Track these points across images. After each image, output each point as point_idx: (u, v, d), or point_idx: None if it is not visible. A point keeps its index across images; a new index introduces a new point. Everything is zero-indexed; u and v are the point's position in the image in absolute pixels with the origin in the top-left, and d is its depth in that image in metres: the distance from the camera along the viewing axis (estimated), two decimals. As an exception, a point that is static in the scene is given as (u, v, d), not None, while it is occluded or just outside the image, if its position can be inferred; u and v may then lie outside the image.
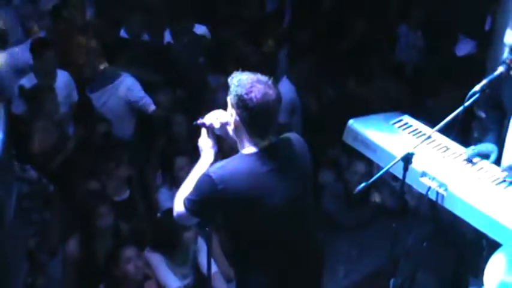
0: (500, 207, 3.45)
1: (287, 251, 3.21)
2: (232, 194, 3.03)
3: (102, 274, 4.53)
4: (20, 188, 4.97)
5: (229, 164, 3.11)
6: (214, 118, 3.33)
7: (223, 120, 3.32)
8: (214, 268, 4.68)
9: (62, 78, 5.96)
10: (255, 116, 3.05)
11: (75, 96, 6.08)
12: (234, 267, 3.36)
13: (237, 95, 3.05)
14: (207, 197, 3.08)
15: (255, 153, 3.10)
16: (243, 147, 3.15)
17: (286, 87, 6.18)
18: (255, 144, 3.11)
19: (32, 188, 5.06)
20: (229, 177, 3.04)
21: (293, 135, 3.31)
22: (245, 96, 3.02)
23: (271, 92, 3.05)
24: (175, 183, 5.29)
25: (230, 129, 3.20)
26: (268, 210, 3.09)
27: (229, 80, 3.12)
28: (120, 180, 5.23)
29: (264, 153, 3.10)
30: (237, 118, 3.10)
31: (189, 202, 3.14)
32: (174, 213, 3.27)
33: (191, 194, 3.14)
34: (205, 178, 3.08)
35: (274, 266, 3.20)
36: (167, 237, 4.68)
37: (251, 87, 3.03)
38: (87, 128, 5.75)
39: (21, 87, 5.83)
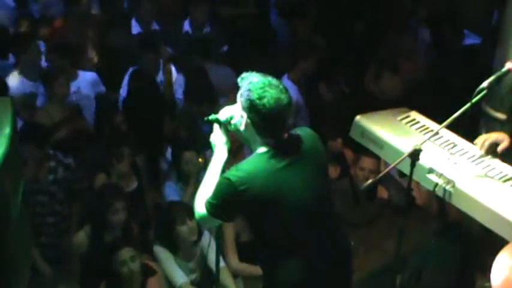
0: (508, 204, 3.43)
1: (313, 245, 3.20)
2: (254, 195, 3.02)
3: (104, 271, 4.54)
4: (56, 172, 5.08)
5: (247, 164, 3.11)
6: (229, 114, 3.29)
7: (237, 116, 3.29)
8: (221, 263, 4.70)
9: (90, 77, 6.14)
10: (267, 121, 3.05)
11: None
12: (261, 264, 3.36)
13: (249, 99, 3.03)
14: (229, 200, 3.07)
15: (270, 151, 3.10)
16: (255, 147, 3.15)
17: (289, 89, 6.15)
18: (267, 144, 3.11)
19: (66, 175, 5.12)
20: (248, 177, 3.03)
21: (304, 129, 3.31)
22: (257, 101, 3.01)
23: (283, 96, 3.05)
24: (182, 177, 5.32)
25: (240, 128, 3.18)
26: (291, 205, 3.09)
27: (239, 80, 3.11)
28: (123, 174, 5.23)
29: (279, 150, 3.10)
30: (248, 121, 3.08)
31: (211, 205, 3.12)
32: (196, 215, 3.26)
33: (212, 197, 3.12)
34: (225, 181, 3.06)
35: (302, 261, 3.19)
36: (166, 230, 4.70)
37: (264, 92, 3.01)
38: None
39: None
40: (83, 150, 5.52)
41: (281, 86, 3.08)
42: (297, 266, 3.18)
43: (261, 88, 3.02)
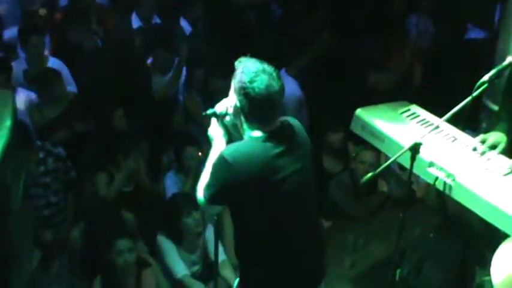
0: (508, 198, 3.43)
1: (292, 235, 3.22)
2: (246, 175, 3.04)
3: (100, 264, 4.55)
4: (46, 163, 5.06)
5: (242, 146, 3.12)
6: (225, 107, 3.30)
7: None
8: (222, 256, 4.71)
9: (53, 64, 5.98)
10: (255, 106, 3.06)
11: (71, 87, 6.08)
12: (238, 254, 3.37)
13: (240, 81, 3.06)
14: (224, 179, 3.08)
15: (265, 137, 3.11)
16: (246, 132, 3.16)
17: (290, 84, 6.15)
18: (258, 129, 3.12)
19: (57, 165, 5.11)
20: (243, 158, 3.04)
21: (291, 119, 3.32)
22: (248, 84, 3.03)
23: (275, 83, 3.05)
24: (182, 170, 5.34)
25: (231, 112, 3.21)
26: (278, 191, 3.11)
27: (236, 63, 3.13)
28: (129, 172, 5.26)
29: (273, 137, 3.11)
30: (237, 104, 3.11)
31: (208, 187, 3.14)
32: (199, 202, 3.28)
33: (209, 179, 3.14)
34: (220, 160, 3.08)
35: (279, 251, 3.21)
36: (171, 222, 4.72)
37: (255, 76, 3.03)
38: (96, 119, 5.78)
39: (25, 72, 5.86)
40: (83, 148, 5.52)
41: (274, 74, 3.08)
42: (273, 256, 3.21)
43: (254, 72, 3.05)
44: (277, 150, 3.10)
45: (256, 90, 3.02)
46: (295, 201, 3.18)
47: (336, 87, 6.44)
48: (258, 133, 3.13)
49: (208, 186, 3.14)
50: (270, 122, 3.13)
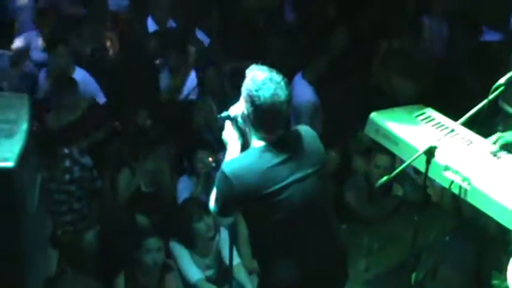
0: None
1: (307, 242, 3.21)
2: (247, 189, 3.06)
3: (122, 263, 4.56)
4: (71, 171, 5.10)
5: (242, 158, 3.14)
6: (240, 110, 3.31)
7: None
8: (236, 260, 4.71)
9: (78, 75, 6.02)
10: (260, 114, 3.07)
11: (98, 97, 6.13)
12: (257, 259, 3.38)
13: (247, 89, 3.09)
14: (226, 194, 3.12)
15: (265, 146, 3.12)
16: (252, 139, 3.18)
17: (305, 91, 6.14)
18: (263, 138, 3.13)
19: (82, 174, 5.14)
20: (242, 172, 3.06)
21: (303, 128, 3.32)
22: (254, 92, 3.05)
23: (282, 93, 3.06)
24: (195, 174, 5.35)
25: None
26: (281, 203, 3.10)
27: (247, 71, 3.14)
28: (147, 173, 5.28)
29: (273, 146, 3.12)
30: (245, 111, 3.13)
31: (215, 201, 3.20)
32: (211, 212, 3.31)
33: (216, 193, 3.19)
34: (221, 175, 3.11)
35: (297, 257, 3.20)
36: (182, 227, 4.73)
37: (262, 84, 3.05)
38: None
39: (47, 77, 5.96)
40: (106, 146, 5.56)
41: (282, 83, 3.09)
42: (287, 265, 3.19)
43: (261, 80, 3.06)
44: (277, 160, 3.10)
45: (262, 99, 3.04)
46: (301, 208, 3.15)
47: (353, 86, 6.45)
48: (260, 143, 3.14)
49: (216, 200, 3.19)
50: (275, 130, 3.13)
